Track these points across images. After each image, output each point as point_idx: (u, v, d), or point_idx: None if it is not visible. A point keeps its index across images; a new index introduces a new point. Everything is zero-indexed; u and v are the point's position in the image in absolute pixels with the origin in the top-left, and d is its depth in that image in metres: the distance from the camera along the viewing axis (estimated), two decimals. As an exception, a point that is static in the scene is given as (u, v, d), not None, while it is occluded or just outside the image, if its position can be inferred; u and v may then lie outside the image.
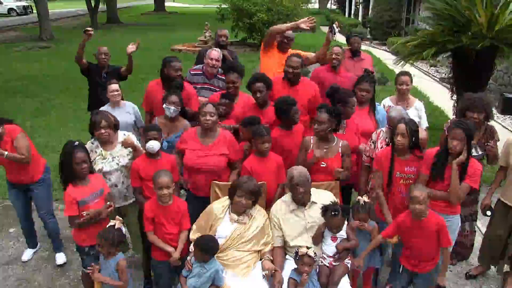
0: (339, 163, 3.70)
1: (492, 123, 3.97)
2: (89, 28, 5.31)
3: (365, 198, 3.40)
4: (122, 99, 4.63)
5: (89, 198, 3.26)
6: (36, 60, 14.28)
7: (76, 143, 3.28)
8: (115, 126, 3.68)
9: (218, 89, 4.76)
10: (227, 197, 3.40)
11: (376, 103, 4.40)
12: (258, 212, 3.40)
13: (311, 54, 5.25)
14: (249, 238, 3.29)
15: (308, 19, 4.96)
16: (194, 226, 3.38)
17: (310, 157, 3.66)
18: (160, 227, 3.29)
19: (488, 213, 3.90)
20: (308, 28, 4.94)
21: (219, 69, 4.83)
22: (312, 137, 3.74)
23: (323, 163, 3.65)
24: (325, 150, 3.65)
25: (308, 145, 3.72)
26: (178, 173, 3.68)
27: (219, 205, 3.40)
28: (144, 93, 4.64)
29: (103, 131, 3.55)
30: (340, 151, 3.70)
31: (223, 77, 4.69)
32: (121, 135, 3.73)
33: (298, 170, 3.30)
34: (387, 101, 4.66)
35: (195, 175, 3.65)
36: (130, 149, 3.68)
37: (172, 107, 3.90)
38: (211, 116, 3.59)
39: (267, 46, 5.09)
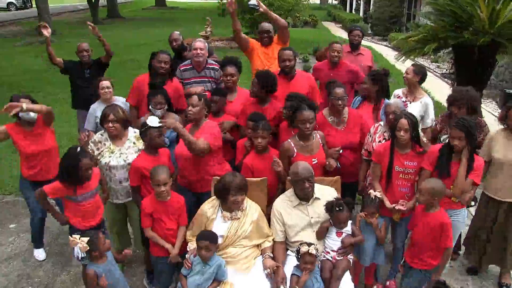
0: (324, 154, 3.70)
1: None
2: (89, 22, 5.39)
3: (377, 193, 3.40)
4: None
5: (78, 198, 3.25)
6: (37, 55, 14.23)
7: (79, 149, 3.21)
8: (125, 121, 3.64)
9: (211, 79, 4.73)
10: (215, 196, 3.37)
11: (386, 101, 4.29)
12: (250, 205, 3.37)
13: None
14: (246, 234, 3.28)
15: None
16: (188, 232, 3.37)
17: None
18: (160, 223, 3.29)
19: (472, 203, 3.87)
20: (234, 8, 4.81)
21: (207, 59, 4.78)
22: (290, 141, 3.64)
23: (314, 159, 3.62)
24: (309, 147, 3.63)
25: (291, 151, 3.63)
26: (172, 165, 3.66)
27: (209, 205, 3.37)
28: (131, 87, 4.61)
29: (110, 124, 3.55)
30: (321, 142, 3.71)
31: (214, 66, 4.73)
32: (132, 132, 3.72)
33: (302, 166, 3.26)
34: (398, 92, 4.60)
35: (184, 164, 3.64)
36: (139, 147, 3.65)
37: (158, 111, 3.91)
38: (193, 107, 3.57)
39: (244, 49, 5.13)
